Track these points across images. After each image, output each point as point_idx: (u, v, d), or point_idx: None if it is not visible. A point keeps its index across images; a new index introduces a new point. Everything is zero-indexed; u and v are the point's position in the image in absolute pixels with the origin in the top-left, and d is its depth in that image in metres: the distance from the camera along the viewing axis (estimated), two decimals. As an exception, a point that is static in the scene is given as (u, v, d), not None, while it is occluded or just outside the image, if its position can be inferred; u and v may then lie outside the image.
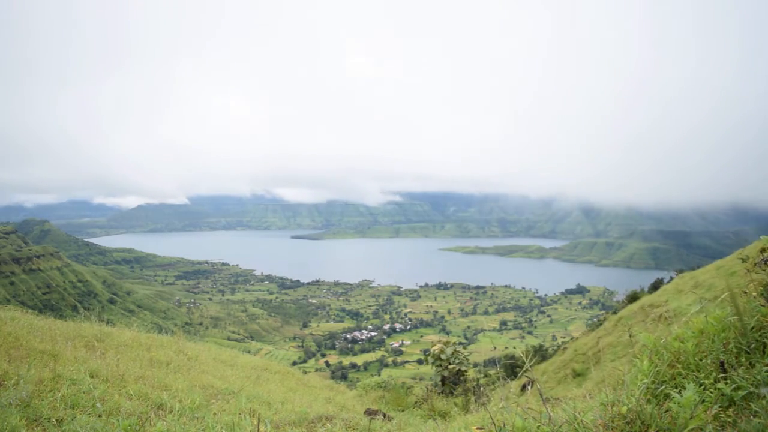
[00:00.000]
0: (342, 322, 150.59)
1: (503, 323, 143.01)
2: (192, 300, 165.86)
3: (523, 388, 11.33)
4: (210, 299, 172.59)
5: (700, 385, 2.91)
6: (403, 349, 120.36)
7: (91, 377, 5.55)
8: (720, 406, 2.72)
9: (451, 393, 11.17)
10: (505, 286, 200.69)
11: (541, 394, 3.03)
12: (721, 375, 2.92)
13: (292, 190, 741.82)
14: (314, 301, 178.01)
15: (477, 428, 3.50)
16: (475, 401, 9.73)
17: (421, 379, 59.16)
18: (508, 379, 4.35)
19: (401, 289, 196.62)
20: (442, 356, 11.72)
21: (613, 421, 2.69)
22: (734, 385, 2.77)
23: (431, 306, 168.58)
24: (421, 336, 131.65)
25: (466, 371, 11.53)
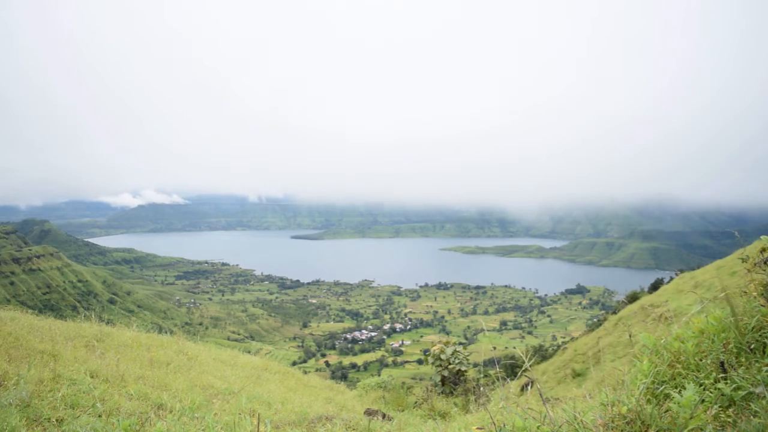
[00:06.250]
0: (342, 322, 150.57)
1: (503, 323, 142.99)
2: (192, 300, 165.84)
3: (523, 388, 11.34)
4: (210, 299, 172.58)
5: (700, 385, 2.91)
6: (403, 349, 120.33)
7: (91, 377, 5.55)
8: (720, 406, 2.72)
9: (451, 393, 11.16)
10: (505, 286, 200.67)
11: (541, 394, 3.03)
12: (721, 375, 2.92)
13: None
14: (314, 301, 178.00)
15: (477, 428, 3.50)
16: (475, 401, 9.73)
17: (421, 379, 59.15)
18: (508, 379, 4.34)
19: (401, 289, 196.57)
20: (442, 356, 11.71)
21: (613, 421, 2.69)
22: (734, 385, 2.77)
23: (431, 306, 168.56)
24: (421, 336, 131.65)
25: (466, 371, 11.52)
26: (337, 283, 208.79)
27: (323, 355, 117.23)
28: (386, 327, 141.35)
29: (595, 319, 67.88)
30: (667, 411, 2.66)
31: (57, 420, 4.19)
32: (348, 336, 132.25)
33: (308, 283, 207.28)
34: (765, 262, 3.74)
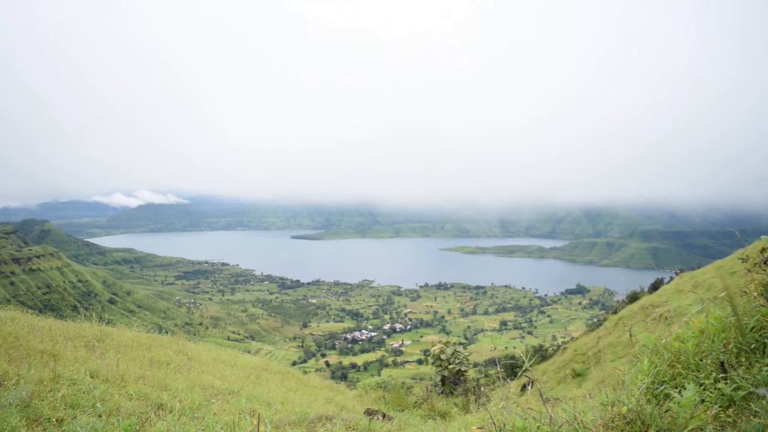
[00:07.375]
0: (342, 322, 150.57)
1: (503, 323, 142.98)
2: (192, 300, 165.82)
3: (523, 388, 11.33)
4: (210, 299, 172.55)
5: (700, 385, 2.91)
6: (403, 349, 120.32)
7: (91, 377, 5.55)
8: (720, 406, 2.72)
9: (451, 393, 11.16)
10: (505, 286, 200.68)
11: (541, 394, 3.03)
12: (721, 375, 2.92)
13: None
14: (314, 301, 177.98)
15: (477, 428, 3.50)
16: (475, 401, 9.73)
17: (421, 379, 59.19)
18: (508, 379, 4.35)
19: (401, 289, 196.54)
20: (442, 356, 11.72)
21: (613, 421, 2.69)
22: (734, 385, 2.77)
23: (431, 306, 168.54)
24: (421, 336, 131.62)
25: (466, 371, 11.52)
26: (337, 283, 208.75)
27: (323, 355, 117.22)
28: (386, 327, 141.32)
29: (595, 319, 67.88)
30: (667, 411, 2.66)
31: (57, 420, 4.19)
32: (348, 336, 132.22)
33: (308, 283, 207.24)
34: (765, 262, 3.74)
